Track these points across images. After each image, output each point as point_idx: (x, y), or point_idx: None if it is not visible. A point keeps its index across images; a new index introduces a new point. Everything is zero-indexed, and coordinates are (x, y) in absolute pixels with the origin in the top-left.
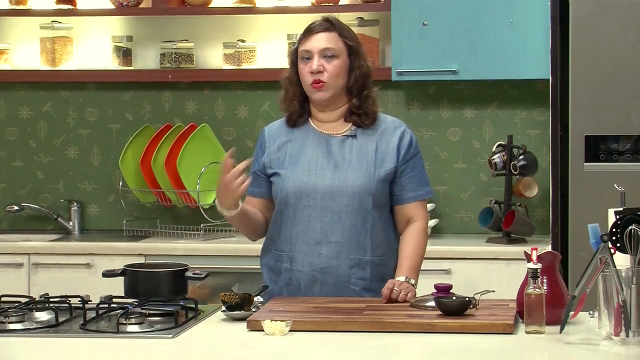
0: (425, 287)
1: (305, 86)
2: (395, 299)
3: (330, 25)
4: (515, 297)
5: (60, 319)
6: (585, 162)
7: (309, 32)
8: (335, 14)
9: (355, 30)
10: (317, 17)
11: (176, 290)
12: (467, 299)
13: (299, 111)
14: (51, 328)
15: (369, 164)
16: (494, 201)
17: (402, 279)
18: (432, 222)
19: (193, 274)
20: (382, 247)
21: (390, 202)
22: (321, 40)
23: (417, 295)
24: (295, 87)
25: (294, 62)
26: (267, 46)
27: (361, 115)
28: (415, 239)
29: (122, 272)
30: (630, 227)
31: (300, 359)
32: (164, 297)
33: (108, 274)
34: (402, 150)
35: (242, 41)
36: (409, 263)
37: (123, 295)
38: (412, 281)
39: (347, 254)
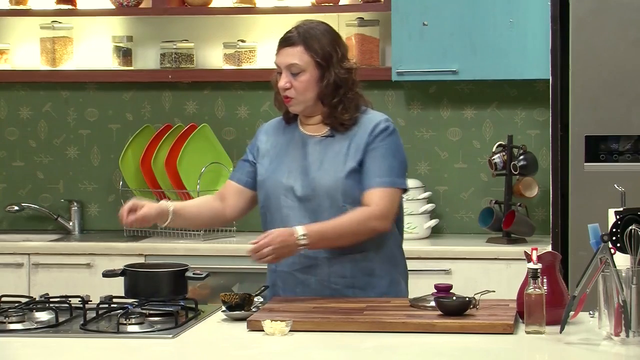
0: (425, 287)
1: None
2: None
3: (296, 39)
4: (515, 297)
5: (61, 319)
6: (586, 162)
7: (279, 45)
8: (334, 14)
9: (355, 30)
10: (317, 17)
11: (176, 290)
12: (467, 299)
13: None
14: (51, 328)
15: (338, 162)
16: (494, 201)
17: (299, 229)
18: (432, 222)
19: (193, 274)
20: (364, 243)
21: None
22: (286, 56)
23: (416, 296)
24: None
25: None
26: (267, 46)
27: (332, 123)
28: (350, 214)
29: (122, 272)
30: (630, 227)
31: (300, 359)
32: (164, 297)
33: (108, 274)
34: (370, 139)
35: (242, 41)
36: (321, 225)
37: (123, 295)
38: (304, 241)
39: (326, 252)
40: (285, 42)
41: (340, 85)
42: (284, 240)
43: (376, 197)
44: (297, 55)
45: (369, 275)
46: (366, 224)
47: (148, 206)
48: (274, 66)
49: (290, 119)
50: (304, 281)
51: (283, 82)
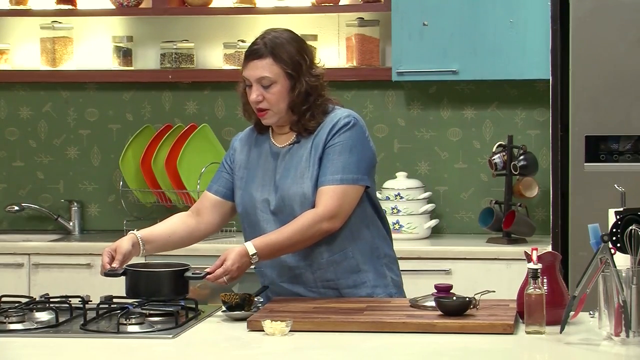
0: (425, 287)
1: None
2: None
3: (264, 50)
4: (515, 297)
5: (61, 319)
6: (586, 162)
7: (246, 57)
8: (334, 14)
9: (355, 30)
10: (317, 17)
11: (177, 290)
12: (467, 299)
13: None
14: (51, 328)
15: (303, 167)
16: (494, 201)
17: (250, 249)
18: (432, 222)
19: (192, 273)
20: (339, 243)
21: None
22: (255, 69)
23: (416, 296)
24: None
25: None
26: None
27: (301, 130)
28: (295, 221)
29: (124, 272)
30: (630, 228)
31: (300, 359)
32: (165, 297)
33: (109, 273)
34: (329, 138)
35: (243, 41)
36: (271, 238)
37: (123, 295)
38: (255, 258)
39: (306, 260)
40: (253, 54)
41: (310, 93)
42: (240, 267)
43: (325, 197)
44: (266, 67)
45: (355, 273)
46: (315, 228)
47: (120, 245)
48: None
49: (263, 129)
50: (293, 291)
51: (255, 95)
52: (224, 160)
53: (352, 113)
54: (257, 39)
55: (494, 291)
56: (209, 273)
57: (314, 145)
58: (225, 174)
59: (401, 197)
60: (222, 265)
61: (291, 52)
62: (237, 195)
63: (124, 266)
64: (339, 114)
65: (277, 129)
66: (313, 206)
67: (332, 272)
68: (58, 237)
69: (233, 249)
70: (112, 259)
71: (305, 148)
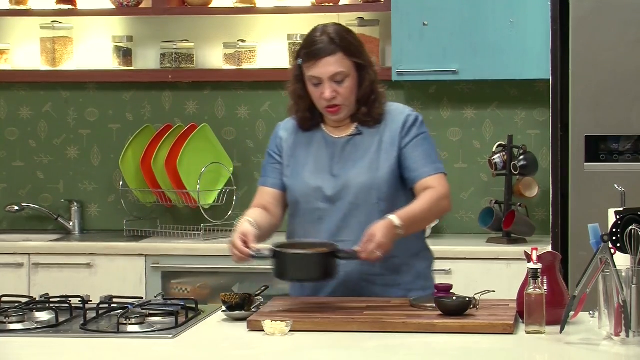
0: None
1: (319, 107)
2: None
3: (334, 46)
4: (515, 297)
5: (61, 319)
6: (586, 162)
7: (314, 56)
8: (334, 14)
9: (355, 30)
10: (317, 17)
11: (327, 273)
12: (467, 299)
13: (310, 117)
14: (51, 328)
15: (373, 158)
16: (494, 201)
17: (396, 220)
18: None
19: (343, 253)
20: None
21: (409, 187)
22: (329, 66)
23: (416, 297)
24: (305, 101)
25: (299, 78)
26: (267, 46)
27: (368, 120)
28: (423, 196)
29: (271, 254)
30: (630, 227)
31: (300, 359)
32: (314, 279)
33: (258, 255)
34: (404, 133)
35: (243, 41)
36: (409, 211)
37: (124, 295)
38: (400, 231)
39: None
40: (323, 52)
41: (376, 81)
42: (390, 239)
43: (435, 182)
44: (339, 62)
45: (395, 273)
46: (441, 203)
47: (248, 230)
48: (274, 66)
49: (309, 127)
50: (338, 281)
51: (329, 92)
52: (271, 152)
53: (407, 107)
54: (315, 36)
55: (494, 291)
56: (358, 252)
57: (386, 139)
58: (277, 164)
59: None
60: (371, 240)
61: (355, 43)
62: (287, 183)
63: (270, 247)
64: (402, 108)
65: (333, 122)
66: (377, 196)
67: (378, 267)
68: (58, 237)
69: (378, 223)
70: (244, 243)
71: (372, 141)
